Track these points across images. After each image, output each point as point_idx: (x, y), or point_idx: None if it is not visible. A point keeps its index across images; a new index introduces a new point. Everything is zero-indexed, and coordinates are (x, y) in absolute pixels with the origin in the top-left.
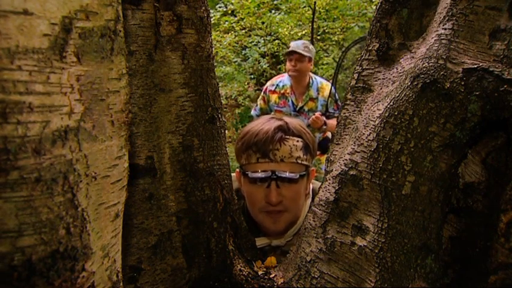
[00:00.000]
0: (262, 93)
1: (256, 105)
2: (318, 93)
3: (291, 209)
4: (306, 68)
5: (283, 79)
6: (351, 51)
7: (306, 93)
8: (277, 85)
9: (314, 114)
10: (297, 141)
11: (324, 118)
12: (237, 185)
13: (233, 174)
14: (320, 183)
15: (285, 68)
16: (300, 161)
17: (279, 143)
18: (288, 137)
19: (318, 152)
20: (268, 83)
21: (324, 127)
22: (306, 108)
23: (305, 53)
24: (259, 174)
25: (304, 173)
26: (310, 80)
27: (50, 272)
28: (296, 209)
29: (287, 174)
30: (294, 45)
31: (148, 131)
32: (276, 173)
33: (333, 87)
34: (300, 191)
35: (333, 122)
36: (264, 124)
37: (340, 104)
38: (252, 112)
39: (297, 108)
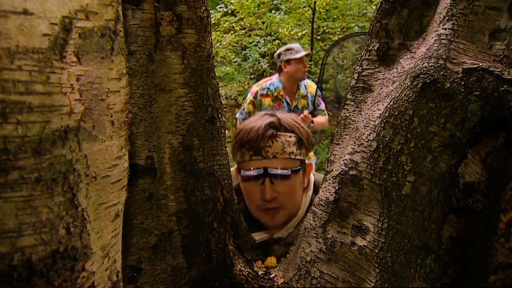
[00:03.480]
0: (251, 97)
1: (243, 108)
2: (307, 91)
3: (287, 205)
4: None
5: (273, 82)
6: (350, 51)
7: (297, 92)
8: (268, 88)
9: (303, 113)
10: (290, 136)
11: (313, 117)
12: (237, 181)
13: (232, 169)
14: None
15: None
16: (293, 156)
17: (270, 139)
18: (279, 133)
19: None
20: (257, 88)
21: (312, 125)
22: (299, 106)
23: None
24: (252, 173)
25: (299, 167)
26: None
27: (50, 272)
28: (292, 204)
29: (279, 171)
30: (299, 48)
31: (148, 131)
32: (267, 170)
33: (317, 85)
34: (294, 186)
35: (318, 120)
36: (256, 121)
37: (324, 97)
38: (238, 115)
39: (292, 108)
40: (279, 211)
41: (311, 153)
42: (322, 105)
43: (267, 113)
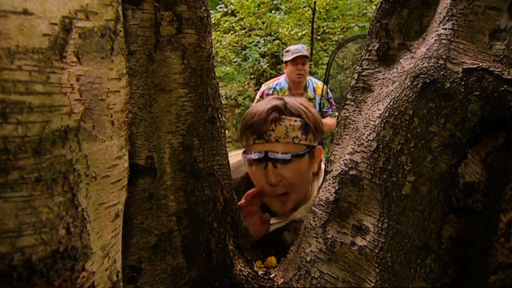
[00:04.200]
0: (258, 96)
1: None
2: (315, 93)
3: (295, 189)
4: (307, 71)
5: (280, 82)
6: (350, 51)
7: (304, 95)
8: (275, 88)
9: None
10: (295, 121)
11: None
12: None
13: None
14: None
15: (284, 69)
16: (297, 141)
17: (274, 123)
18: (283, 117)
19: None
20: (265, 87)
21: None
22: None
23: (308, 55)
24: (253, 156)
25: (303, 152)
26: (307, 82)
27: (50, 272)
28: (300, 188)
29: (279, 155)
30: (297, 49)
31: (148, 131)
32: (268, 154)
33: (325, 86)
34: (299, 169)
35: (327, 121)
36: (262, 105)
37: (333, 102)
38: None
39: None
40: (288, 197)
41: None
42: (332, 108)
43: (275, 97)
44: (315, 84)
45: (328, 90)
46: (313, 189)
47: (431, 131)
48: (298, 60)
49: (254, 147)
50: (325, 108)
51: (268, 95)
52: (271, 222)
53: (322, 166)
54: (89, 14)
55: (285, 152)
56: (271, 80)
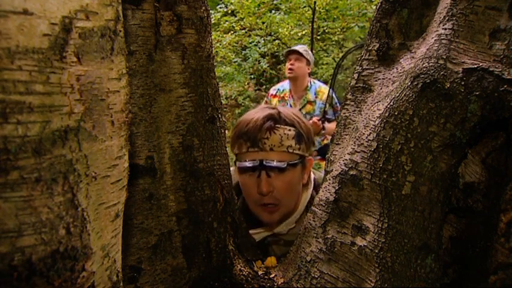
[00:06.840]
0: (266, 97)
1: None
2: (316, 97)
3: (284, 200)
4: (303, 69)
5: (284, 84)
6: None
7: (303, 97)
8: (278, 89)
9: (312, 119)
10: (289, 130)
11: (323, 123)
12: (237, 179)
13: (233, 168)
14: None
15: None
16: (291, 150)
17: (268, 131)
18: (278, 125)
19: (318, 158)
20: (272, 88)
21: (323, 131)
22: (303, 112)
23: (304, 53)
24: (247, 164)
25: (296, 162)
26: (309, 84)
27: (50, 272)
28: (290, 200)
29: (274, 163)
30: (293, 48)
31: (149, 131)
32: (263, 162)
33: (331, 91)
34: (292, 180)
35: (332, 126)
36: (256, 113)
37: (338, 106)
38: None
39: None
40: (278, 209)
41: (323, 163)
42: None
43: (268, 106)
44: (318, 87)
45: (334, 96)
46: (302, 200)
47: (431, 131)
48: (290, 56)
49: (248, 155)
50: (330, 113)
51: (272, 95)
52: (258, 231)
53: (312, 176)
54: (89, 14)
55: (279, 160)
56: (280, 83)
